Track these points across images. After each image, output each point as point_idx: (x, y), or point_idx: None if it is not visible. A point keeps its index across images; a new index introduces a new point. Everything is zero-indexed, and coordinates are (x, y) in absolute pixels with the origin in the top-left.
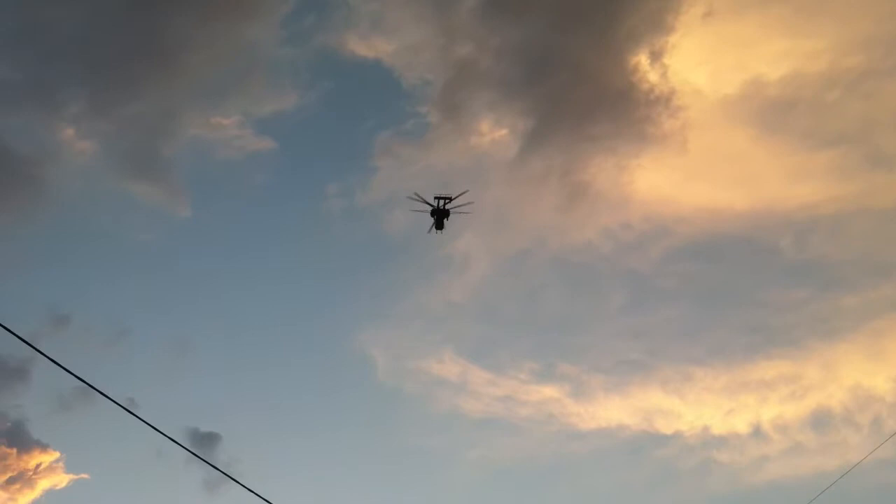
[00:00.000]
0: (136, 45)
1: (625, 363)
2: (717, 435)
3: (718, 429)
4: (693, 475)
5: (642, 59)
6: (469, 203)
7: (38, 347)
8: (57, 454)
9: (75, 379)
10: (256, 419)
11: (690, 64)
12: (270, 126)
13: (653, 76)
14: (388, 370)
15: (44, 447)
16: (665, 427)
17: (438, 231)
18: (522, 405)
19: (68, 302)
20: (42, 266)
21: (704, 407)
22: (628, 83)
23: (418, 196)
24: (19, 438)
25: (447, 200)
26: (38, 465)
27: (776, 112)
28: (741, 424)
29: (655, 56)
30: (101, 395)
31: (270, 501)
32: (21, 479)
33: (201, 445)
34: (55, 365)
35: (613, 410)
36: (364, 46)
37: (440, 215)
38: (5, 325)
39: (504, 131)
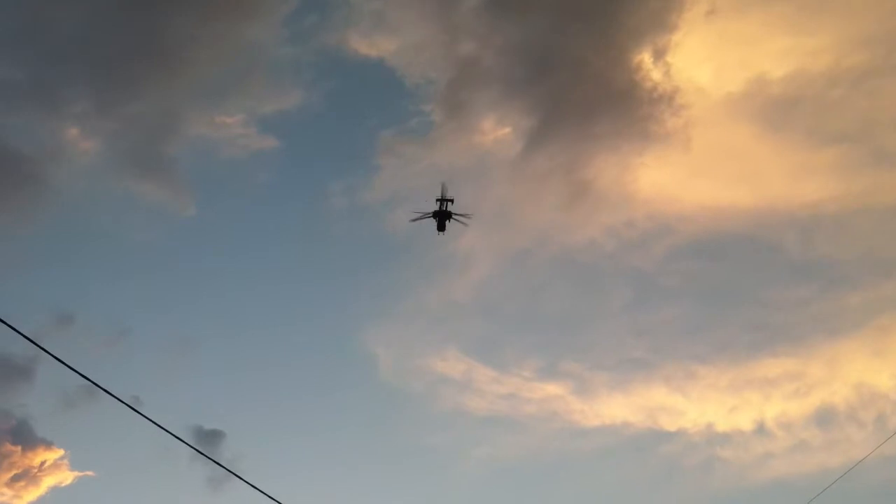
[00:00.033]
0: (139, 45)
1: (628, 361)
2: (720, 432)
3: (722, 426)
4: (697, 473)
5: (645, 58)
6: (469, 209)
7: (42, 345)
8: (61, 452)
9: (80, 377)
10: (260, 417)
11: (693, 62)
12: (273, 125)
13: (656, 74)
14: (392, 368)
15: (48, 445)
16: (669, 424)
17: (440, 233)
18: (526, 403)
19: (72, 300)
20: (46, 265)
21: (708, 404)
22: (631, 81)
23: (418, 213)
24: (24, 436)
25: (449, 202)
26: (42, 463)
27: (779, 110)
28: (745, 422)
29: (658, 54)
30: (105, 393)
31: (274, 498)
32: (26, 477)
33: (205, 443)
34: (60, 363)
35: (617, 408)
36: (366, 45)
37: (442, 217)
38: (9, 324)
39: (507, 130)
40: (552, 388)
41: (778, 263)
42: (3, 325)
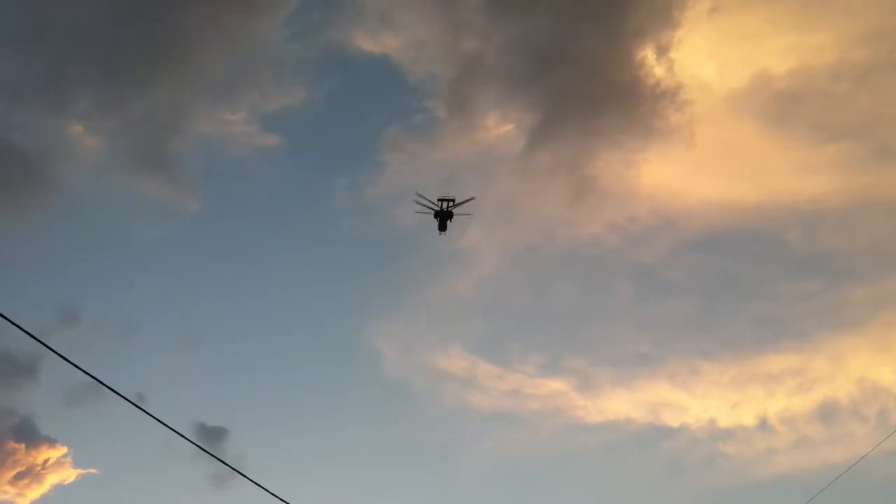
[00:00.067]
0: (144, 43)
1: (632, 356)
2: (724, 428)
3: (725, 421)
4: (700, 468)
5: (649, 54)
6: (472, 206)
7: (47, 343)
8: (65, 449)
9: (84, 374)
10: (263, 414)
11: (697, 58)
12: (278, 122)
13: (659, 70)
14: (396, 365)
15: (52, 442)
16: (672, 420)
17: (442, 233)
18: (530, 399)
19: (77, 298)
20: (51, 262)
21: (711, 399)
22: (635, 78)
23: (421, 196)
24: (28, 434)
25: (450, 203)
26: (46, 461)
27: (783, 106)
28: (748, 417)
29: (662, 50)
30: (109, 391)
31: (278, 496)
32: (29, 474)
33: (208, 440)
34: (64, 361)
35: (620, 404)
36: (371, 42)
37: (443, 217)
38: (14, 321)
39: (510, 126)
40: (556, 384)
41: (782, 258)
42: (7, 322)
